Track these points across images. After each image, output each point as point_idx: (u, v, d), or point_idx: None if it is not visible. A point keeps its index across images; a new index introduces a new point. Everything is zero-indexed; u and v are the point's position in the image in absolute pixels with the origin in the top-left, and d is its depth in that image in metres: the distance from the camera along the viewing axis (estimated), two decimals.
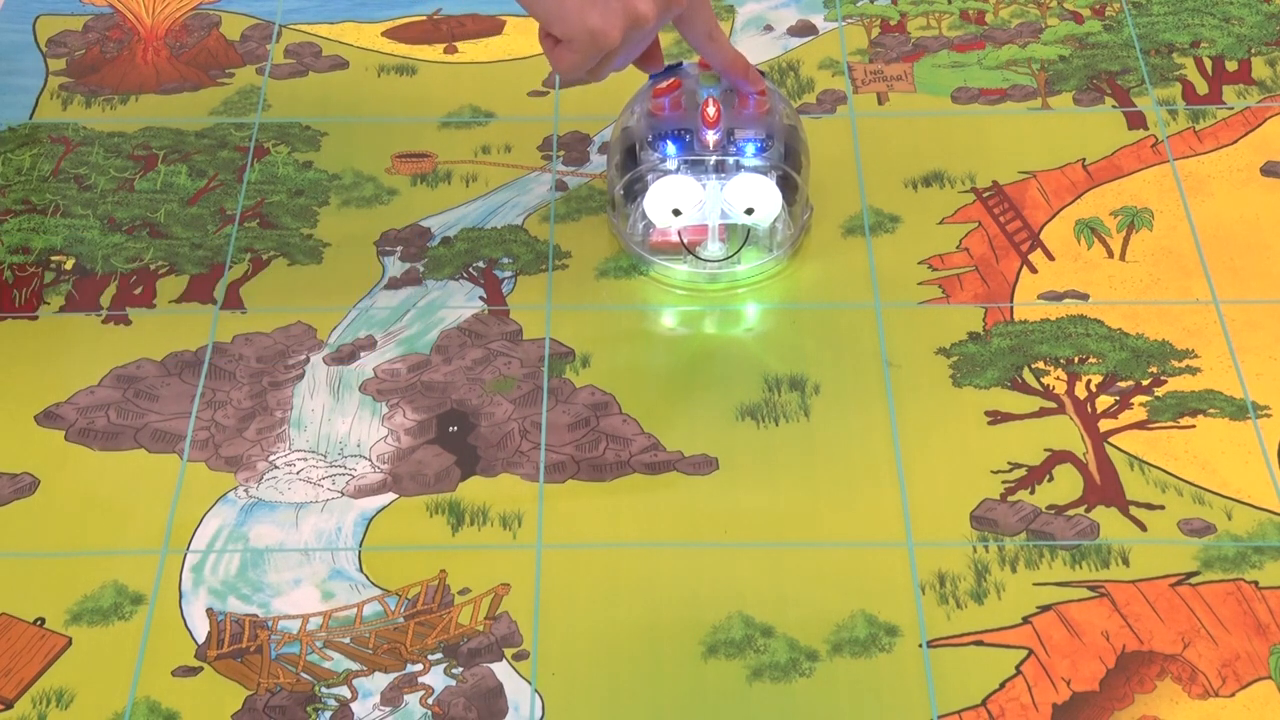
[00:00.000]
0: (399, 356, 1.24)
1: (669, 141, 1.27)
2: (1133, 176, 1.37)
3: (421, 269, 1.31)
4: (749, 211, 1.26)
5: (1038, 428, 1.19)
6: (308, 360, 1.24)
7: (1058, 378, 1.22)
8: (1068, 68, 1.46)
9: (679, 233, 1.28)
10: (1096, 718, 1.03)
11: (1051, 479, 1.16)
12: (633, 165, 1.29)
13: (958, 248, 1.32)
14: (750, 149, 1.27)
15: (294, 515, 1.15)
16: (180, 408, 1.21)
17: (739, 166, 1.27)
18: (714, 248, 1.28)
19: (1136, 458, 1.17)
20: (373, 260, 1.31)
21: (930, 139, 1.40)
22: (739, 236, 1.28)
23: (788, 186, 1.28)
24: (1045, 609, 1.09)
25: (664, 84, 1.29)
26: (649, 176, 1.27)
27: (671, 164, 1.27)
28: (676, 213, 1.26)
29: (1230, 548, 1.12)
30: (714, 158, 1.27)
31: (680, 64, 1.31)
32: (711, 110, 1.26)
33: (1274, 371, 1.22)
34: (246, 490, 1.16)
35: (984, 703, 1.04)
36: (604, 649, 1.07)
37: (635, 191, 1.29)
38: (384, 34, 1.52)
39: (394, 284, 1.30)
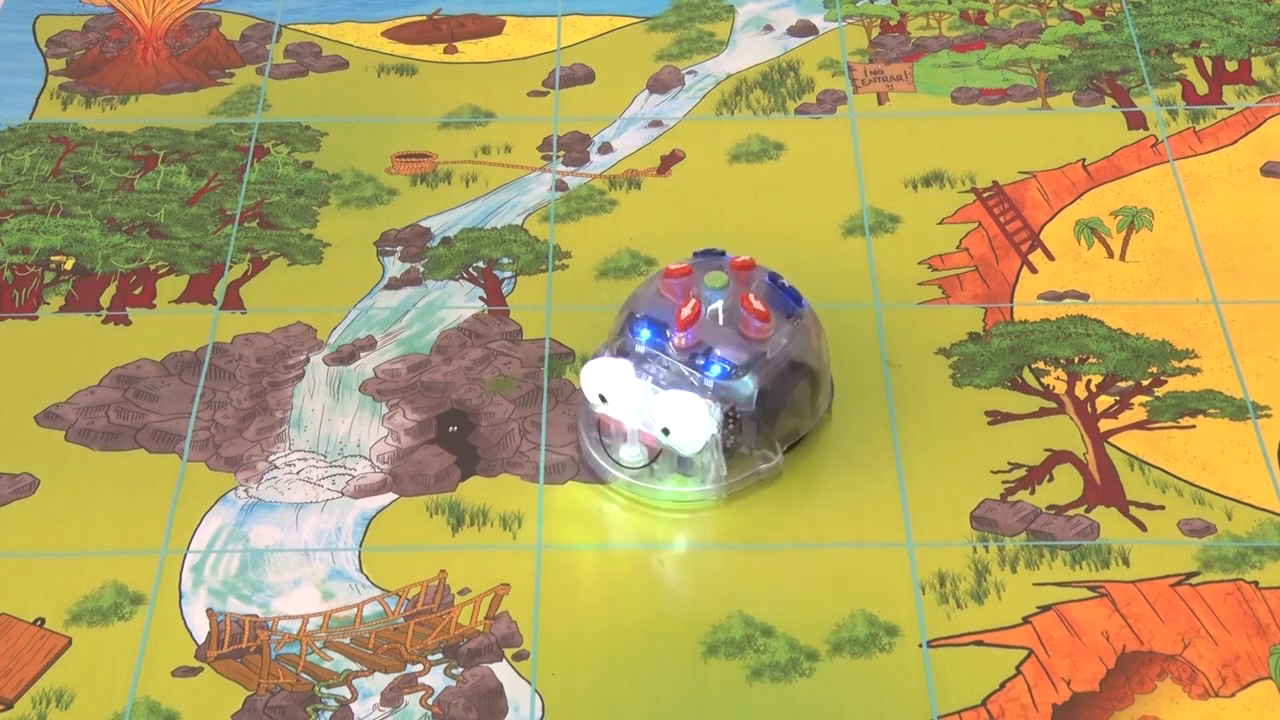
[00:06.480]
0: (399, 356, 1.24)
1: (645, 326, 1.15)
2: (1133, 177, 1.37)
3: (421, 269, 1.30)
4: (665, 431, 1.12)
5: (1038, 428, 1.19)
6: (308, 360, 1.24)
7: (1058, 378, 1.22)
8: (1068, 68, 1.46)
9: (604, 420, 1.16)
10: (1096, 718, 1.03)
11: (1051, 479, 1.16)
12: (619, 334, 1.17)
13: (958, 248, 1.31)
14: (715, 369, 1.13)
15: (294, 515, 1.15)
16: (180, 408, 1.21)
17: (696, 382, 1.13)
18: (630, 452, 1.15)
19: (1136, 458, 1.17)
20: (373, 260, 1.31)
21: (930, 139, 1.40)
22: (668, 452, 1.14)
23: (742, 425, 1.14)
24: (1045, 609, 1.09)
25: (677, 266, 1.17)
26: (602, 350, 1.16)
27: (640, 348, 1.14)
28: (603, 399, 1.14)
29: (1230, 548, 1.12)
30: (679, 362, 1.14)
31: (722, 253, 1.19)
32: (686, 311, 1.14)
33: (1274, 371, 1.22)
34: (246, 490, 1.16)
35: (984, 703, 1.04)
36: (604, 649, 1.07)
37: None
38: (384, 34, 1.52)
39: (394, 284, 1.30)
